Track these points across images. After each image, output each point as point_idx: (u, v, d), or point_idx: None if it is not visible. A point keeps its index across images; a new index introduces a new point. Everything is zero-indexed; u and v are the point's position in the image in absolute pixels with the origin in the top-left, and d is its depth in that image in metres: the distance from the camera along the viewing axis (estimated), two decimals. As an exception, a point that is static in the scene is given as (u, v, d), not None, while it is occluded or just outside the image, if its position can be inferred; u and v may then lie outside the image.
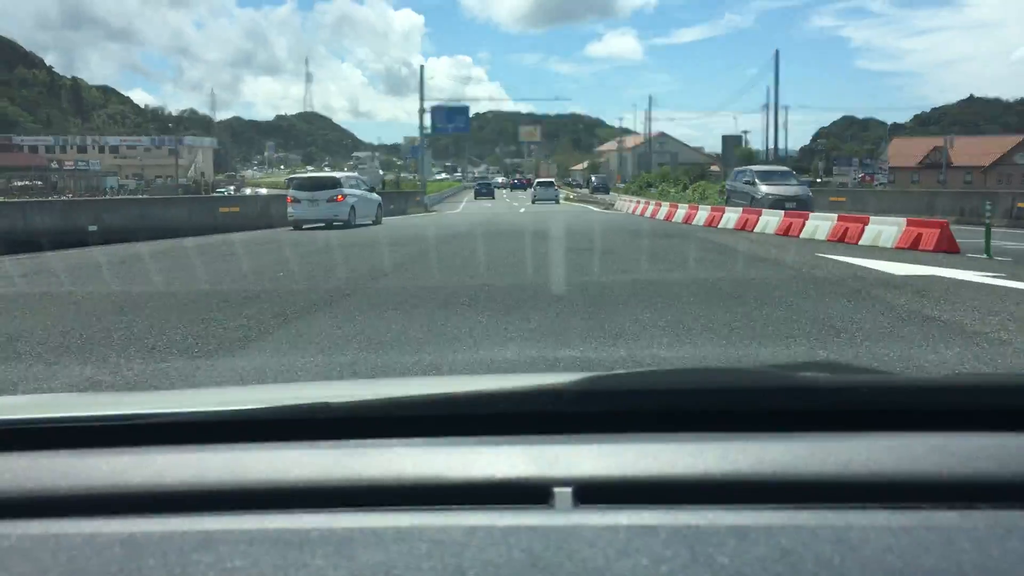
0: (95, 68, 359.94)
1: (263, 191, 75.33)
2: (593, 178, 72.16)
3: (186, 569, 0.68)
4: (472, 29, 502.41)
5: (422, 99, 47.86)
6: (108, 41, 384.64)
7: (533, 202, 48.69)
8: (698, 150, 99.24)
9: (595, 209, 40.20)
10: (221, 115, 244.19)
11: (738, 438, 0.90)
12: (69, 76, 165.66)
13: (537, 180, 60.41)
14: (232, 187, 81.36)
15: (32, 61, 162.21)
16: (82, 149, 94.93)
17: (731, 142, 66.72)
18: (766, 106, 75.51)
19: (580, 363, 4.63)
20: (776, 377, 1.12)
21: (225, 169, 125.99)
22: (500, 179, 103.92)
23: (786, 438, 0.90)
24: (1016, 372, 4.50)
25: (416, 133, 51.59)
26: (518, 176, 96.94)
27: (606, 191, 62.57)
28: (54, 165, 79.69)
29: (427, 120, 50.11)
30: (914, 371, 4.35)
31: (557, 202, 49.63)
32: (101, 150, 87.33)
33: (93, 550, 0.71)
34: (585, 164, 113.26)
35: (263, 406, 1.04)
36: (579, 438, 0.92)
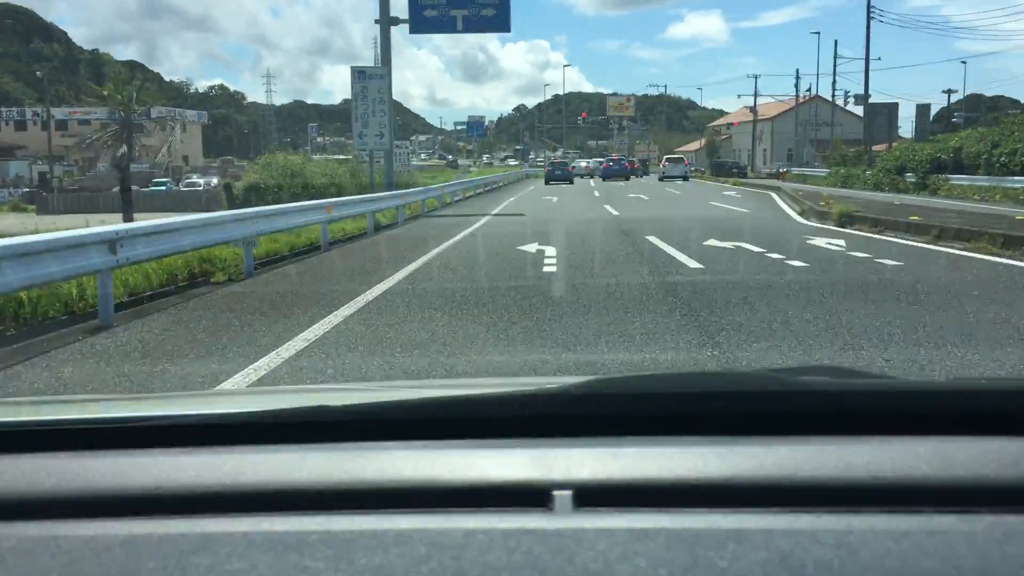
0: (176, 58, 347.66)
1: (214, 181, 51.33)
2: None
3: (185, 571, 0.67)
4: (549, 12, 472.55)
5: None
6: (186, 30, 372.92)
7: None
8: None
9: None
10: (281, 100, 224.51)
11: (738, 442, 0.89)
12: (90, 49, 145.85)
13: (666, 156, 53.83)
14: (197, 176, 55.83)
15: (51, 34, 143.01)
16: (20, 125, 71.90)
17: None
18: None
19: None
20: (776, 381, 1.09)
21: (232, 154, 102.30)
22: (584, 163, 65.71)
23: (786, 442, 0.89)
24: (1016, 376, 4.48)
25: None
26: (615, 157, 62.83)
27: None
28: None
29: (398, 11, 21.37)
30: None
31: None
32: (44, 126, 64.04)
33: (92, 552, 0.71)
34: (702, 143, 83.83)
35: (262, 409, 1.04)
36: (579, 441, 0.91)
